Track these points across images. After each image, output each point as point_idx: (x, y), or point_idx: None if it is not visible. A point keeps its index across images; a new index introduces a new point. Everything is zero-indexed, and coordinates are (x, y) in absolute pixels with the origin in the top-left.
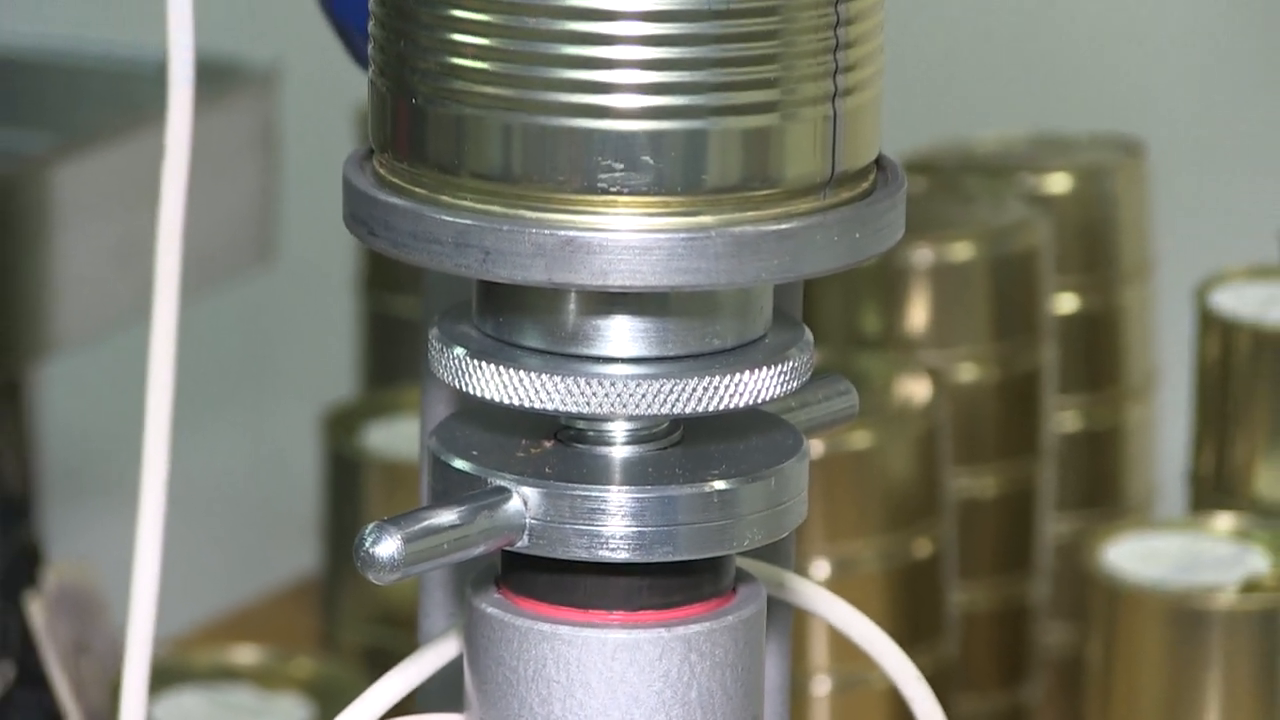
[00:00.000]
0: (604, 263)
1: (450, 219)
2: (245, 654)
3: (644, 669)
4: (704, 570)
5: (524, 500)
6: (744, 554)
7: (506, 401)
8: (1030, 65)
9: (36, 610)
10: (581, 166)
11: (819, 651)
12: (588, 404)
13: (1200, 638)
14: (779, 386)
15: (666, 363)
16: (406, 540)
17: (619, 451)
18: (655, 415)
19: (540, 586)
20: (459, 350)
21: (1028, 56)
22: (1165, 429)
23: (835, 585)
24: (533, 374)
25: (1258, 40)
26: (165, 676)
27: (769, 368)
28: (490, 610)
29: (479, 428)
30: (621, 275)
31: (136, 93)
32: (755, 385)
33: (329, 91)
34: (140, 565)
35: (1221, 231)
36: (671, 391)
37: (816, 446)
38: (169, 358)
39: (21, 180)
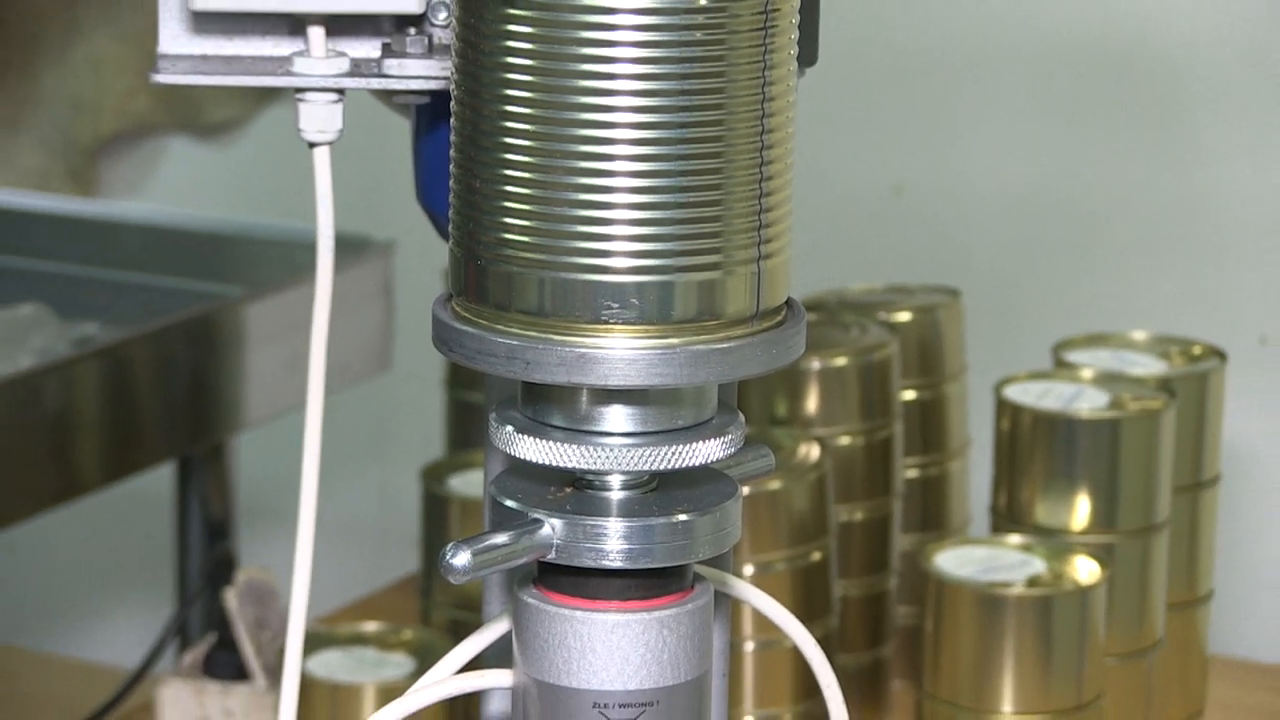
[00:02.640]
0: (605, 370)
1: (503, 340)
2: (370, 626)
3: (633, 640)
4: (673, 574)
5: (552, 528)
6: (699, 563)
7: (540, 462)
8: (885, 239)
9: (230, 599)
10: (590, 306)
11: (747, 624)
12: (594, 463)
13: (998, 616)
14: (722, 452)
15: (647, 436)
16: (474, 554)
17: (615, 495)
18: (640, 471)
19: (563, 585)
20: (509, 427)
21: (883, 234)
22: (975, 478)
23: (758, 581)
24: (558, 443)
25: (1043, 210)
26: (315, 642)
27: (715, 439)
28: (530, 601)
29: (523, 479)
30: (617, 378)
31: (297, 258)
32: (706, 451)
33: (425, 256)
34: (298, 568)
35: (1012, 349)
36: (651, 455)
37: (746, 491)
38: (317, 431)
39: (223, 316)
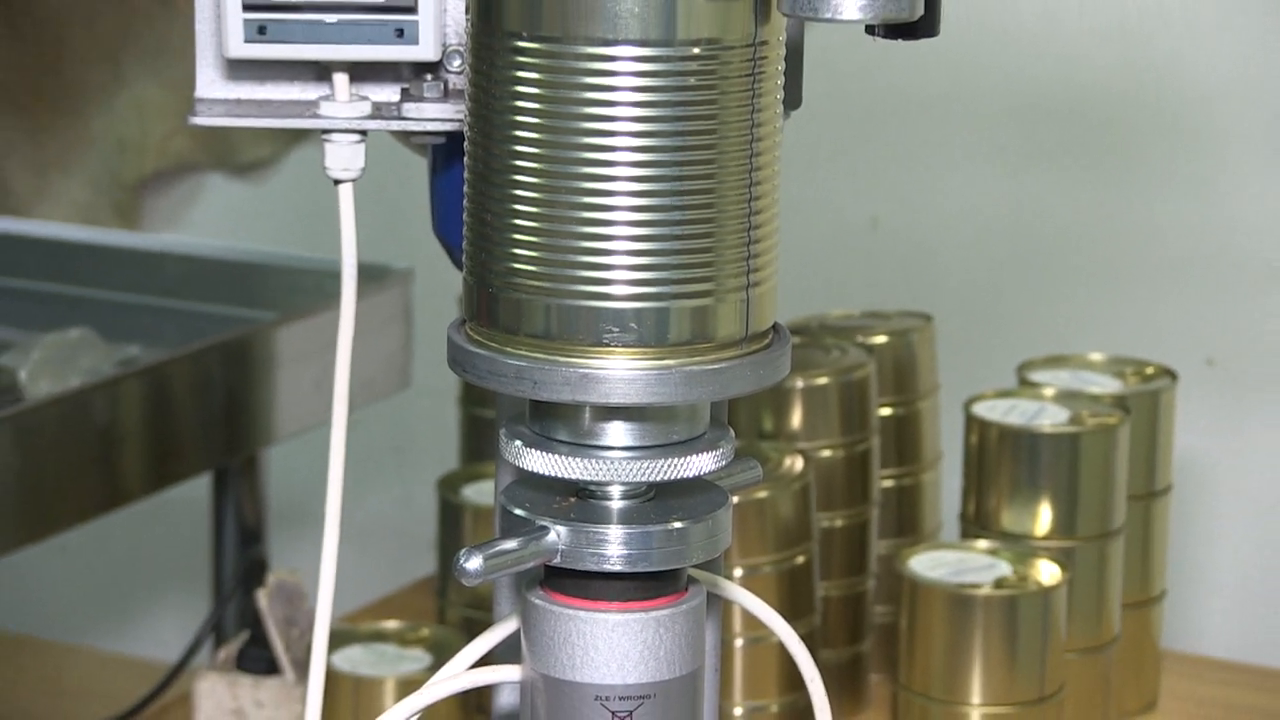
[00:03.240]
0: (607, 389)
1: (512, 362)
2: (390, 624)
3: (632, 638)
4: (669, 576)
5: (558, 535)
6: (693, 566)
7: (546, 473)
8: (863, 268)
9: (262, 598)
10: (593, 330)
11: (737, 623)
12: (596, 475)
13: (967, 615)
14: (713, 464)
15: (645, 450)
16: (485, 559)
17: (616, 504)
18: (638, 482)
19: (568, 587)
20: (518, 441)
21: (861, 264)
22: (946, 488)
23: (746, 583)
24: (563, 456)
25: (1008, 241)
26: (339, 638)
27: (707, 452)
28: (537, 601)
29: (530, 489)
30: (617, 396)
31: (324, 285)
32: (699, 463)
33: (441, 283)
34: (324, 570)
35: (980, 369)
36: (649, 467)
37: (735, 500)
38: (342, 444)
39: (257, 338)
